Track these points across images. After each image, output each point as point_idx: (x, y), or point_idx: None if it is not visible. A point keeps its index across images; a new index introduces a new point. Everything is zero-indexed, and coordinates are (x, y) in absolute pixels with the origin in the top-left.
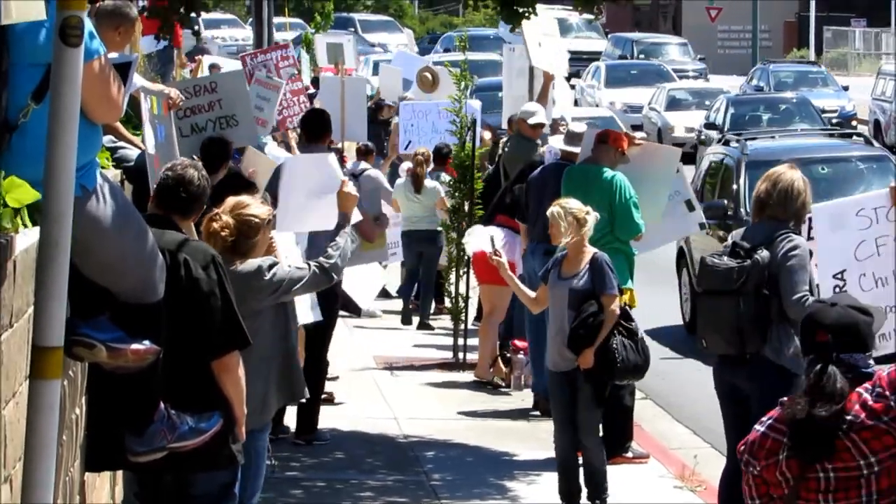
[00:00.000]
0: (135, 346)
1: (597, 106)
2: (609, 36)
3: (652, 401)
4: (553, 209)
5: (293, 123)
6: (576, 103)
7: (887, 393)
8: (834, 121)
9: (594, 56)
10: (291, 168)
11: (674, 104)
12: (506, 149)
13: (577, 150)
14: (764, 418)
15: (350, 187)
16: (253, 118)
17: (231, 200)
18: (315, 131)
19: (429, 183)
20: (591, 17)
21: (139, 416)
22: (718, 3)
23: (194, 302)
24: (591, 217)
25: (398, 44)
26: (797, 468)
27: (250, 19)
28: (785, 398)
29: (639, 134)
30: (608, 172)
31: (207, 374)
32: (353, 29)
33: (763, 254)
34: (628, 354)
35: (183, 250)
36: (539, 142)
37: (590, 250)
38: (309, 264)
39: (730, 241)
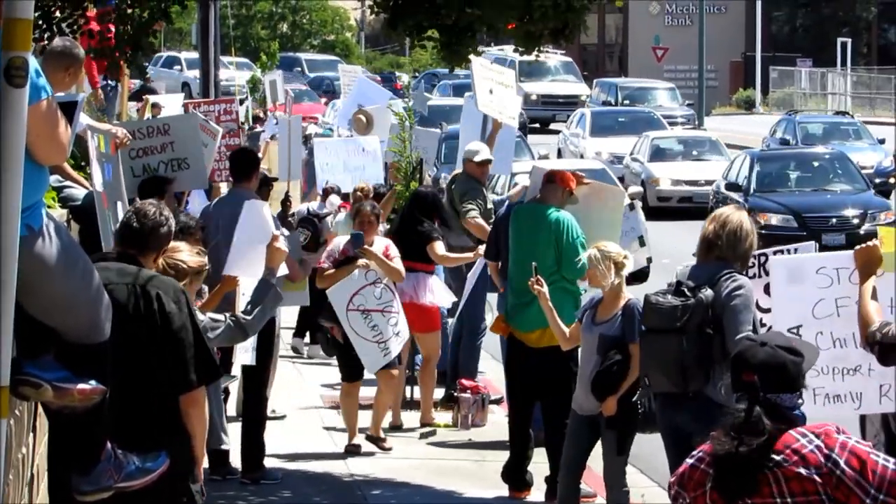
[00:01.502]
0: (81, 385)
1: (581, 156)
2: (595, 81)
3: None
4: (591, 252)
5: (223, 177)
6: (559, 154)
7: (833, 454)
8: (877, 180)
9: (571, 99)
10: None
11: (658, 154)
12: (453, 187)
13: None
14: (694, 451)
15: (281, 243)
16: (203, 162)
17: None
18: (243, 170)
19: None
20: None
21: (86, 455)
22: (664, 43)
23: (167, 336)
24: (630, 261)
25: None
26: (721, 499)
27: (227, 59)
28: (715, 431)
29: (631, 188)
30: (555, 212)
31: (157, 413)
32: (299, 69)
33: (707, 293)
34: (651, 405)
35: (154, 285)
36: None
37: (625, 296)
38: (225, 317)
39: (674, 279)
